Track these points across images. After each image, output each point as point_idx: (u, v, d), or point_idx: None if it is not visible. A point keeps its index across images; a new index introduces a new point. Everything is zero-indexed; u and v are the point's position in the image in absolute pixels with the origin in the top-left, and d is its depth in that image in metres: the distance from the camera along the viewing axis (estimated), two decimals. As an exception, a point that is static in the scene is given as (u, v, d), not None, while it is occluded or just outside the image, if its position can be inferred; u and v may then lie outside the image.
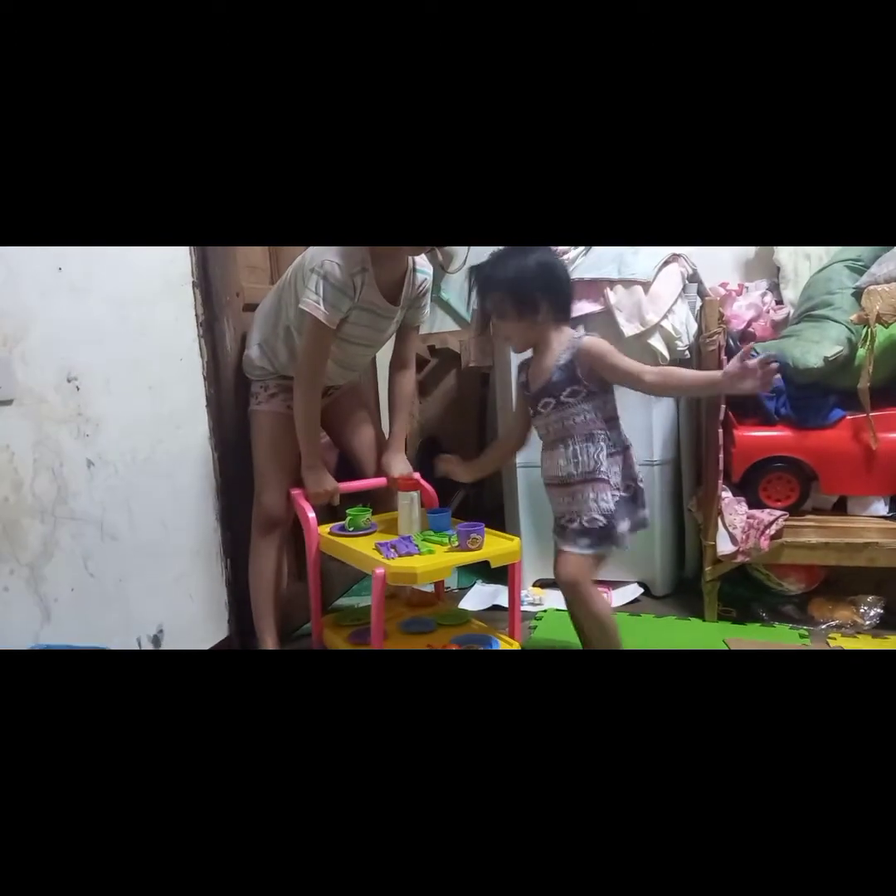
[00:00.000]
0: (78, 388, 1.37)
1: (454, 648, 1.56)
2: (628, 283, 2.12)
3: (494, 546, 1.56)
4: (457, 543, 1.52)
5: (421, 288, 1.77)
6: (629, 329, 2.12)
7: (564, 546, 1.54)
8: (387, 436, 1.96)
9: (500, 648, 1.57)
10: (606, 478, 1.49)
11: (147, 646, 1.56)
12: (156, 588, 1.58)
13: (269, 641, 1.79)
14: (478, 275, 1.53)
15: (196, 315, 1.71)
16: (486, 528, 1.57)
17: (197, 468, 1.73)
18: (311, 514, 1.70)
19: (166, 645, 1.61)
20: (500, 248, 1.55)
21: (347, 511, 1.70)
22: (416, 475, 1.83)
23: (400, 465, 1.84)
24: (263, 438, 1.76)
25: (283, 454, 1.75)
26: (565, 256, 2.21)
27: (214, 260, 1.75)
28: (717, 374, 1.44)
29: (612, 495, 1.49)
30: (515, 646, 1.60)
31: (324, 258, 1.53)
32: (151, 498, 1.56)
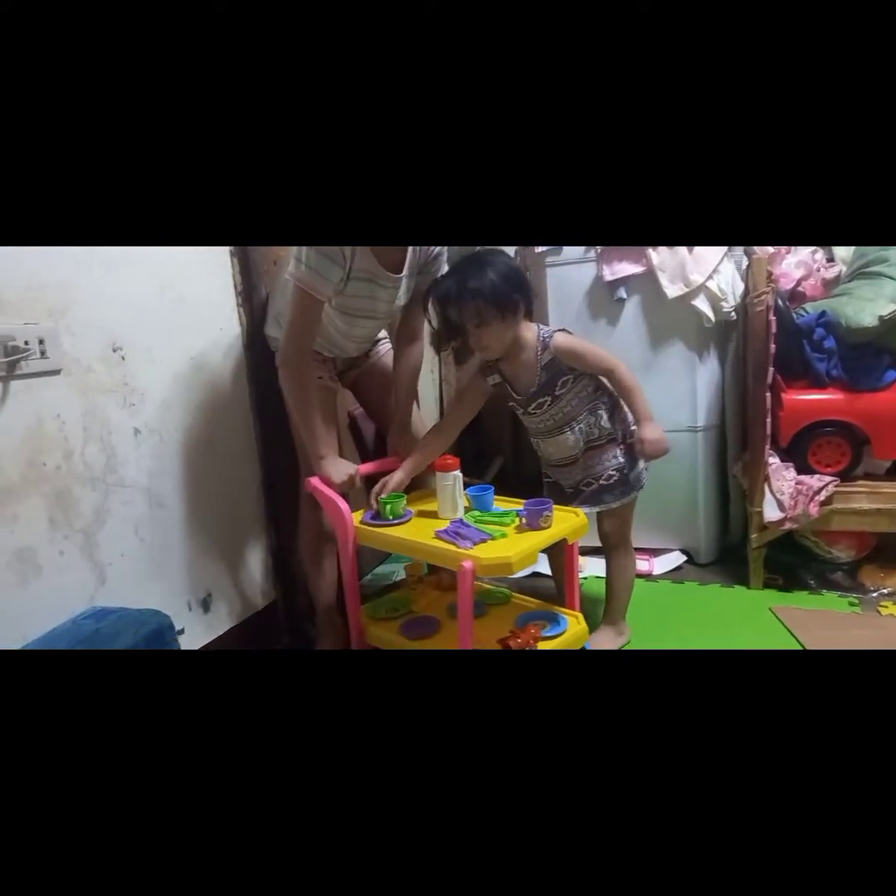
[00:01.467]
0: (123, 359, 1.39)
1: (535, 642, 1.41)
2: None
3: (565, 522, 1.45)
4: (525, 522, 1.41)
5: (434, 253, 1.60)
6: (672, 291, 2.06)
7: (593, 507, 1.63)
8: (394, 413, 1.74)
9: (569, 624, 1.50)
10: (615, 436, 1.61)
11: (197, 610, 1.60)
12: (204, 554, 1.61)
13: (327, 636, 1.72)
14: (446, 290, 1.48)
15: (235, 284, 1.71)
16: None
17: (239, 436, 1.75)
18: (343, 504, 1.51)
19: (214, 609, 1.65)
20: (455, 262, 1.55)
21: (381, 499, 1.55)
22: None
23: (409, 445, 1.68)
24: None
25: (328, 421, 1.61)
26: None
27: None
28: (649, 416, 1.53)
29: (620, 448, 1.61)
30: (579, 617, 1.53)
31: None
32: (196, 466, 1.59)
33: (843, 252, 2.25)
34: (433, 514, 1.53)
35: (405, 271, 1.55)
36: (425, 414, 2.86)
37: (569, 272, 2.21)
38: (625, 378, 1.55)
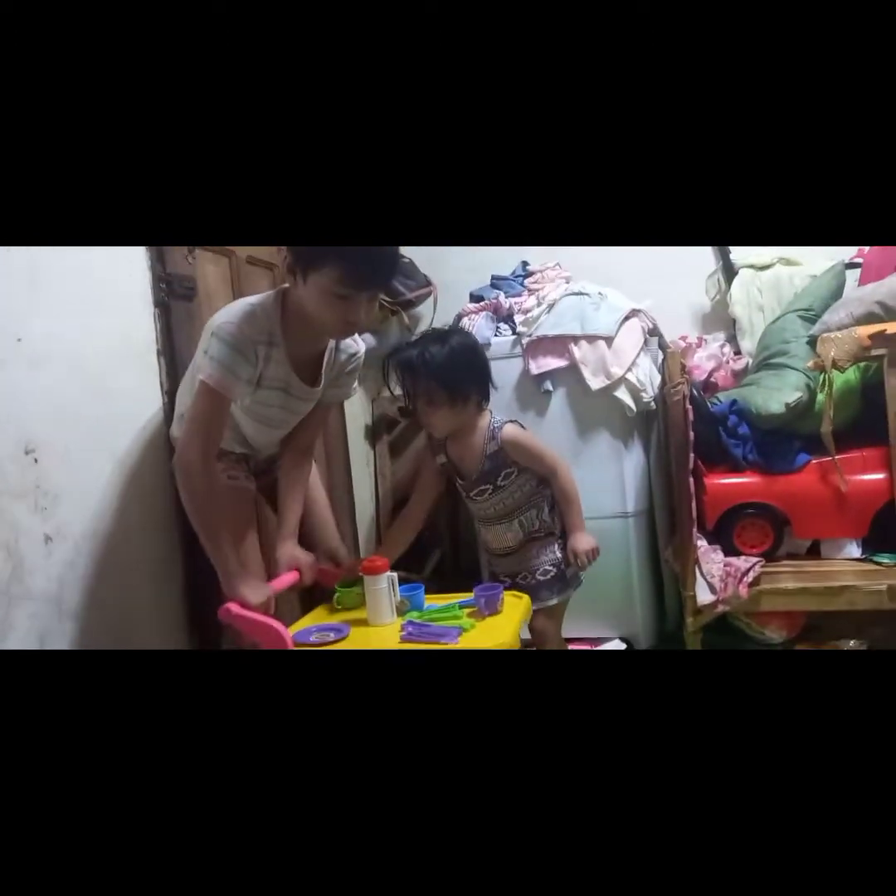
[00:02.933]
0: (36, 461, 1.32)
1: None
2: (592, 338, 2.17)
3: (514, 607, 1.41)
4: (482, 607, 1.36)
5: (348, 366, 1.52)
6: (595, 383, 2.15)
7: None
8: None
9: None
10: (554, 531, 1.61)
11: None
12: (118, 668, 1.50)
13: None
14: (403, 362, 1.51)
15: (160, 383, 1.69)
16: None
17: (161, 542, 1.67)
18: (277, 625, 1.28)
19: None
20: (419, 334, 1.60)
21: (336, 587, 1.45)
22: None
23: (295, 553, 1.51)
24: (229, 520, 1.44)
25: (245, 529, 1.50)
26: (529, 315, 2.26)
27: (178, 327, 1.74)
28: (582, 526, 1.57)
29: (558, 543, 1.60)
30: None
31: (222, 319, 1.31)
32: (112, 575, 1.49)
33: (748, 345, 2.43)
34: (361, 622, 1.40)
35: (320, 383, 1.48)
36: (360, 508, 2.83)
37: (498, 366, 2.25)
38: (566, 484, 1.56)
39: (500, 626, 1.31)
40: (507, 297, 2.34)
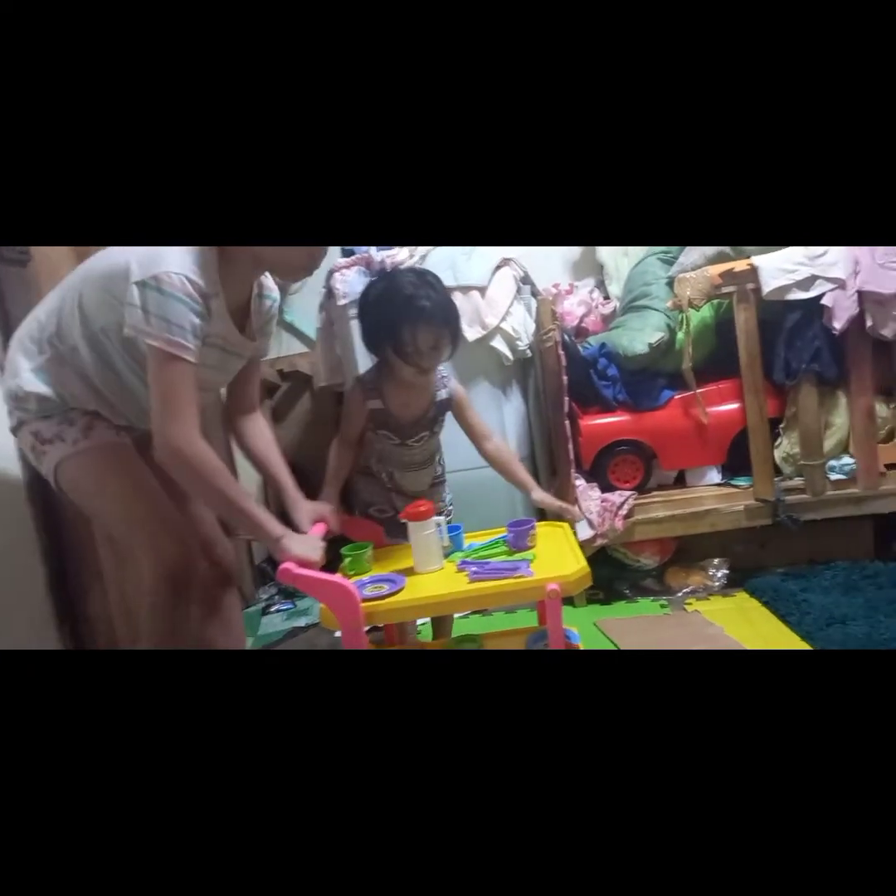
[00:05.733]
0: None
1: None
2: (465, 288, 2.17)
3: (558, 535, 1.39)
4: (511, 543, 1.33)
5: (268, 315, 1.43)
6: (471, 333, 2.17)
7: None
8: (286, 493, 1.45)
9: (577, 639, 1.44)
10: (445, 478, 1.64)
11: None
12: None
13: None
14: (433, 308, 1.36)
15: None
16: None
17: (13, 531, 1.55)
18: (346, 583, 1.19)
19: None
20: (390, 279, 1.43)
21: (342, 551, 1.36)
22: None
23: (313, 507, 1.43)
24: (114, 483, 1.28)
25: (150, 487, 1.30)
26: (402, 265, 2.23)
27: (11, 295, 1.59)
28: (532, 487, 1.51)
29: (448, 488, 1.63)
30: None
31: (169, 269, 1.12)
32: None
33: (616, 290, 2.51)
34: (407, 571, 1.30)
35: (253, 335, 1.36)
36: (244, 478, 2.74)
37: (373, 322, 2.26)
38: (504, 446, 1.55)
39: (563, 553, 1.29)
40: (378, 251, 2.29)
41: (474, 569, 1.24)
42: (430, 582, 1.27)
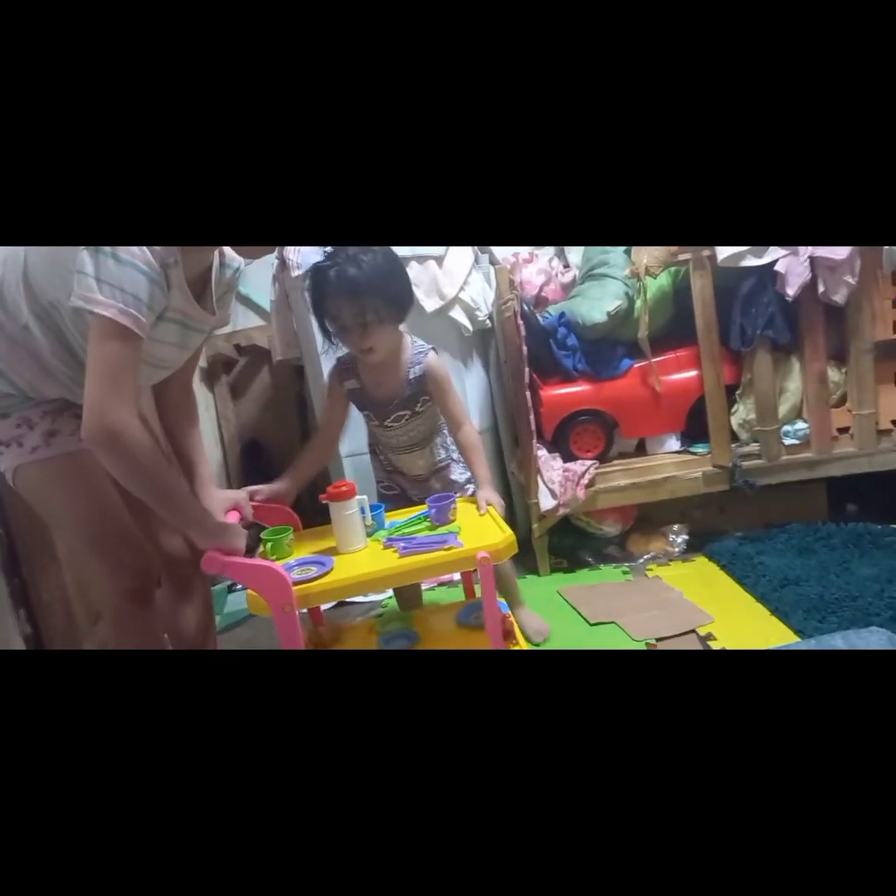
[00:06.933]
0: None
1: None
2: (422, 259, 2.14)
3: (470, 509, 1.40)
4: (433, 518, 1.33)
5: (229, 285, 1.34)
6: (430, 304, 2.13)
7: None
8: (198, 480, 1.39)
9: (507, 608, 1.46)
10: (456, 458, 1.59)
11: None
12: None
13: None
14: (336, 280, 1.33)
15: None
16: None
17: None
18: (277, 567, 1.16)
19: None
20: (338, 248, 1.38)
21: (263, 536, 1.34)
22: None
23: (226, 494, 1.41)
24: (74, 499, 1.20)
25: (111, 502, 1.22)
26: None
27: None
28: (490, 479, 1.49)
29: (462, 468, 1.58)
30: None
31: None
32: None
33: (575, 258, 2.49)
34: (330, 551, 1.30)
35: (212, 309, 1.27)
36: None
37: (329, 294, 2.21)
38: (474, 434, 1.51)
39: (486, 524, 1.31)
40: (332, 220, 2.23)
41: (403, 544, 1.26)
42: (359, 561, 1.27)
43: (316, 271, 1.39)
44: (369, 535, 1.35)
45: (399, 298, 1.39)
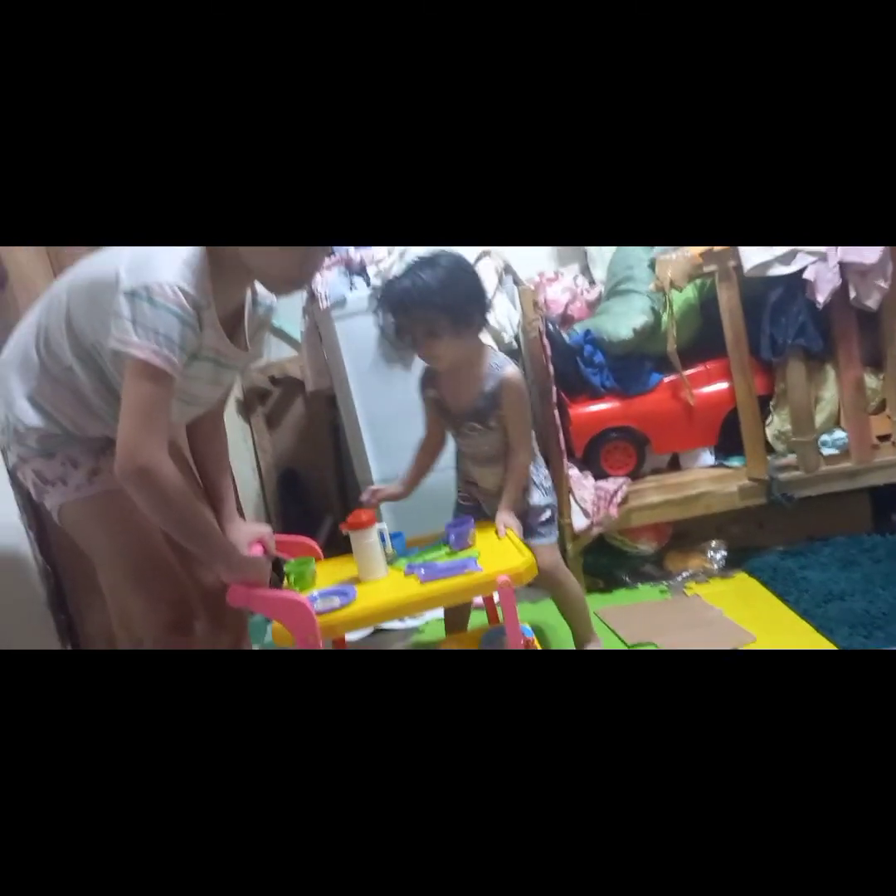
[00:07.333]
0: None
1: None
2: (445, 284, 2.16)
3: (483, 536, 1.42)
4: (452, 543, 1.35)
5: (265, 320, 1.39)
6: (455, 329, 2.15)
7: (529, 540, 1.52)
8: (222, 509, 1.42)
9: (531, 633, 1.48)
10: (536, 481, 1.59)
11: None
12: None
13: None
14: (396, 294, 1.42)
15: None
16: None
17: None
18: (302, 599, 1.18)
19: None
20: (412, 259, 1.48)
21: (286, 568, 1.36)
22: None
23: (250, 529, 1.44)
24: (116, 536, 1.25)
25: (154, 541, 1.25)
26: (381, 265, 2.22)
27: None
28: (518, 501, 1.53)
29: (544, 490, 1.60)
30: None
31: (160, 279, 1.07)
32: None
33: (600, 275, 2.49)
34: (353, 581, 1.32)
35: (246, 346, 1.31)
36: (244, 486, 2.74)
37: (358, 322, 2.24)
38: (527, 460, 1.54)
39: (505, 548, 1.32)
40: (356, 250, 2.28)
41: (423, 571, 1.26)
42: (382, 589, 1.28)
43: (381, 288, 1.51)
44: (390, 562, 1.36)
45: (456, 310, 1.40)
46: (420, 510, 1.73)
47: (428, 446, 1.66)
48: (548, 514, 1.59)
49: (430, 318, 1.39)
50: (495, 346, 2.20)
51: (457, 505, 1.70)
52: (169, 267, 1.08)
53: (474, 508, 1.66)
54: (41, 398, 1.22)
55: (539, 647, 1.47)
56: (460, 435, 1.57)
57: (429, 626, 2.09)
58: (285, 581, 1.35)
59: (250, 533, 1.40)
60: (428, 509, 1.68)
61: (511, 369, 1.50)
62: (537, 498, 1.59)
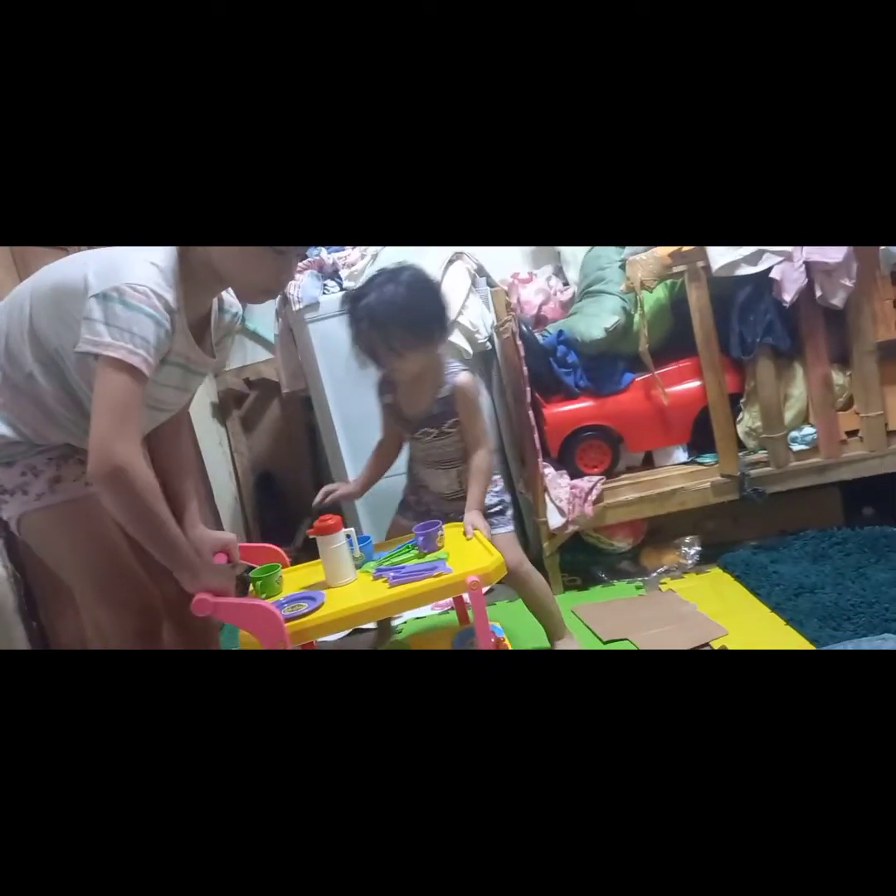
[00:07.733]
0: None
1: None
2: (419, 285, 2.16)
3: (456, 534, 1.43)
4: (421, 544, 1.36)
5: (231, 327, 1.38)
6: (429, 330, 2.16)
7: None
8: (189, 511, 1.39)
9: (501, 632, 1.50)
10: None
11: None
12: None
13: None
14: (361, 310, 1.45)
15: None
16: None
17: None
18: (270, 606, 1.16)
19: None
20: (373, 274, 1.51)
21: (251, 575, 1.35)
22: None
23: (215, 536, 1.40)
24: (79, 546, 1.22)
25: (118, 549, 1.24)
26: (354, 268, 2.22)
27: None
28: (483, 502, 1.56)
29: (493, 493, 1.64)
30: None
31: (131, 281, 1.05)
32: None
33: (574, 275, 2.51)
34: (321, 585, 1.32)
35: (213, 352, 1.30)
36: (220, 489, 2.73)
37: (330, 326, 2.24)
38: (487, 460, 1.57)
39: (474, 549, 1.33)
40: (329, 253, 2.27)
41: (393, 574, 1.27)
42: (351, 593, 1.28)
43: (346, 298, 1.52)
44: (358, 566, 1.36)
45: (417, 327, 1.44)
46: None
47: (384, 450, 1.71)
48: (498, 507, 1.64)
49: (391, 335, 1.43)
50: (469, 349, 2.21)
51: (402, 503, 1.75)
52: (141, 269, 1.07)
53: (424, 513, 1.66)
54: (1, 406, 1.19)
55: (510, 647, 1.47)
56: (414, 439, 1.62)
57: (406, 625, 2.10)
58: (251, 588, 1.35)
59: (215, 540, 1.36)
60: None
61: (464, 376, 1.55)
62: (488, 498, 1.62)
